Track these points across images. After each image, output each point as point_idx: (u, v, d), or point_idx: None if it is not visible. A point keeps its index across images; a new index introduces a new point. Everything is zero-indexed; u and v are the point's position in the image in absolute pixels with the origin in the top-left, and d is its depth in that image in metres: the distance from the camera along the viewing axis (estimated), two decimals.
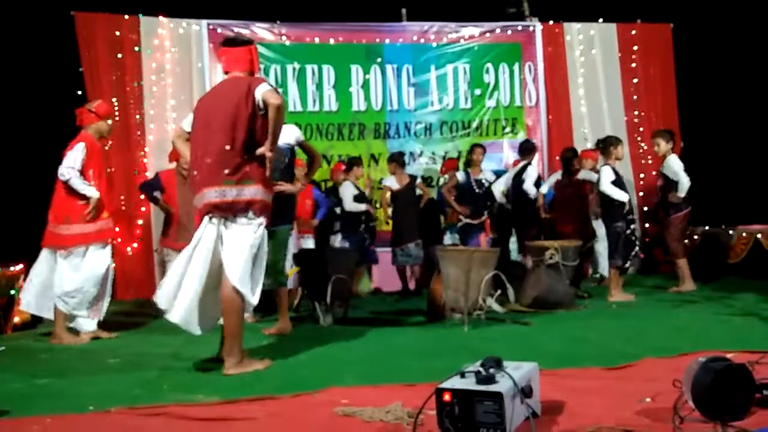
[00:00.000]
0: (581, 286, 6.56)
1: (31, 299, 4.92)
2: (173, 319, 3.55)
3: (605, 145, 6.21)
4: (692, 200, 6.42)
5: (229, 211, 3.53)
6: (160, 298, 3.56)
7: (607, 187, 5.97)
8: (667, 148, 6.43)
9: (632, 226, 6.12)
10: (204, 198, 3.54)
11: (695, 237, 7.26)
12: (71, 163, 4.73)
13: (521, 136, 8.28)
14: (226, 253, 3.54)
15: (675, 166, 6.32)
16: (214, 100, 3.67)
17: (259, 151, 3.55)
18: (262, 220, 3.62)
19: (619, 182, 6.02)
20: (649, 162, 8.34)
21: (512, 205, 6.96)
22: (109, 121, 5.15)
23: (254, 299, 3.59)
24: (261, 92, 3.51)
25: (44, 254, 4.88)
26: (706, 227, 7.22)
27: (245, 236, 3.54)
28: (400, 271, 7.32)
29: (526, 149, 7.00)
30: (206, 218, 3.58)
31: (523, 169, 6.83)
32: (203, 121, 3.63)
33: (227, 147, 3.51)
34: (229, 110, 3.53)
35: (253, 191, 3.55)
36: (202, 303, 3.57)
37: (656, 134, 6.64)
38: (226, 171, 3.50)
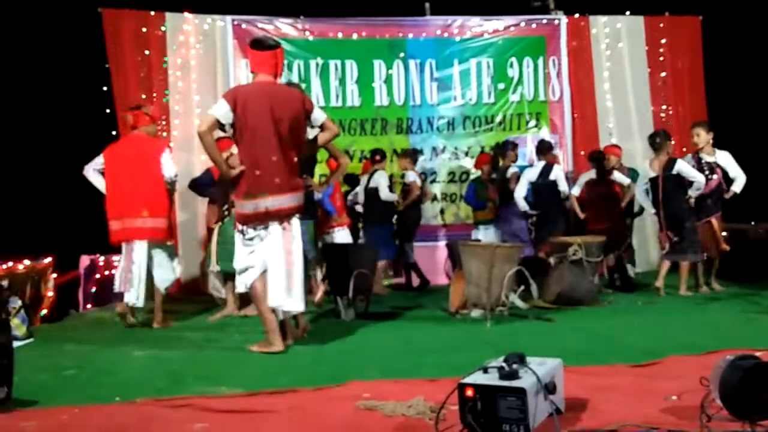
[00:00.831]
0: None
1: (140, 293, 5.08)
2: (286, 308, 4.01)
3: (661, 140, 6.05)
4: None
5: (295, 214, 4.02)
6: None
7: (696, 174, 5.83)
8: (707, 140, 6.18)
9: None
10: (286, 202, 3.95)
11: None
12: (175, 169, 5.21)
13: (545, 131, 8.20)
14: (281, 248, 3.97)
15: (733, 160, 6.12)
16: (275, 105, 3.89)
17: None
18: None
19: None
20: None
21: (537, 206, 6.83)
22: (157, 124, 5.60)
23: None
24: (322, 117, 4.12)
25: (141, 246, 5.07)
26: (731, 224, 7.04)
27: (299, 234, 4.05)
28: (405, 266, 7.35)
29: (543, 149, 6.92)
30: (277, 221, 3.95)
31: (548, 168, 6.75)
32: (267, 124, 3.88)
33: (295, 159, 4.01)
34: (296, 122, 3.98)
35: (300, 198, 4.06)
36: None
37: (696, 125, 6.38)
38: (294, 180, 4.01)
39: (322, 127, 4.14)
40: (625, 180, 6.77)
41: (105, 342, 4.53)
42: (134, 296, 5.05)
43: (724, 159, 6.17)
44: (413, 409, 2.43)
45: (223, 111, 3.87)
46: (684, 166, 5.94)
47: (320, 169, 6.82)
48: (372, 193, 6.98)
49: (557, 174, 6.72)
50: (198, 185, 6.37)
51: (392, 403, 2.52)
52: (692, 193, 5.91)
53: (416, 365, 3.39)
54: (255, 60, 4.02)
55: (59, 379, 3.39)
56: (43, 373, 3.51)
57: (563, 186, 6.71)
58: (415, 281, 7.42)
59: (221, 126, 3.91)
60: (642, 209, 7.33)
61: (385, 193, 6.96)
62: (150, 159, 5.09)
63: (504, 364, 2.18)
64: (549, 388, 2.13)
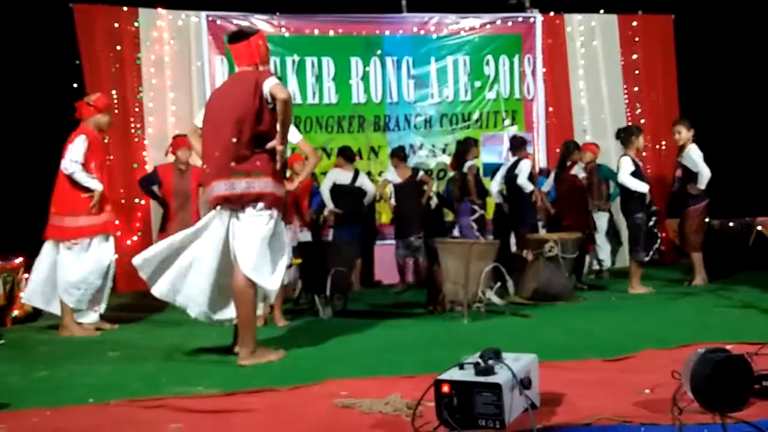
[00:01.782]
0: (582, 278, 6.57)
1: (36, 292, 4.91)
2: (173, 300, 3.71)
3: (626, 135, 6.07)
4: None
5: (238, 203, 3.59)
6: (141, 261, 3.66)
7: (626, 179, 5.83)
8: (688, 137, 6.20)
9: (654, 218, 5.99)
10: (213, 190, 3.61)
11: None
12: (74, 157, 4.72)
13: (520, 128, 8.26)
14: (237, 245, 3.59)
15: (695, 156, 6.12)
16: (222, 96, 3.76)
17: (270, 144, 3.63)
18: (273, 212, 3.65)
19: (638, 173, 5.89)
20: (647, 155, 8.30)
21: (508, 200, 6.93)
22: (108, 115, 5.12)
23: (272, 285, 3.63)
24: (269, 86, 3.56)
25: (48, 247, 4.88)
26: (706, 219, 7.15)
27: (256, 227, 3.58)
28: (400, 264, 7.31)
29: (517, 144, 6.98)
30: (214, 210, 3.65)
31: (516, 164, 6.82)
32: (212, 116, 3.72)
33: (234, 140, 3.56)
34: (237, 104, 3.58)
35: (263, 184, 3.59)
36: (218, 294, 3.72)
37: (677, 122, 6.39)
38: (233, 163, 3.57)
39: (273, 98, 3.57)
40: (580, 173, 6.82)
41: (78, 343, 4.46)
42: (28, 298, 4.93)
43: (688, 155, 6.18)
44: (390, 406, 2.43)
45: (200, 115, 3.92)
46: (623, 164, 5.88)
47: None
48: (355, 192, 6.97)
49: (521, 168, 6.76)
50: (143, 182, 6.37)
51: (369, 400, 2.52)
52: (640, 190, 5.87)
53: (393, 363, 3.40)
54: (235, 54, 3.87)
55: (31, 381, 3.33)
56: (14, 375, 3.45)
57: (521, 180, 6.72)
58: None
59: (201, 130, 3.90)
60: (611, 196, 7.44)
61: (372, 192, 6.98)
62: (63, 153, 4.80)
63: (480, 360, 2.19)
64: (524, 384, 2.14)
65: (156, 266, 3.67)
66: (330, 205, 6.96)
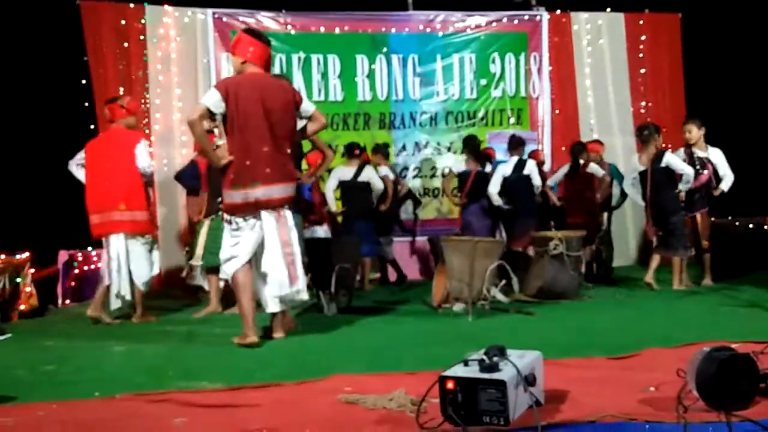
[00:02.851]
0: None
1: (122, 287, 5.04)
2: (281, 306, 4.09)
3: (650, 132, 6.02)
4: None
5: (287, 204, 4.02)
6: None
7: (685, 167, 5.79)
8: (699, 135, 6.12)
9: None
10: (276, 192, 3.94)
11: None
12: (150, 160, 5.19)
13: (525, 127, 8.25)
14: (277, 243, 4.00)
15: (724, 158, 6.10)
16: (267, 97, 3.90)
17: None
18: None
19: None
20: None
21: (510, 198, 6.82)
22: (136, 118, 5.48)
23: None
24: (311, 108, 4.17)
25: (118, 239, 5.02)
26: (712, 219, 7.11)
27: (293, 227, 4.07)
28: (390, 261, 7.37)
29: (515, 144, 6.93)
30: (269, 210, 3.95)
31: (521, 163, 6.78)
32: (259, 115, 3.87)
33: (288, 150, 4.02)
34: (288, 114, 4.01)
35: (292, 189, 4.06)
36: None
37: (688, 120, 6.26)
38: (286, 171, 4.00)
39: (310, 118, 4.16)
40: (599, 172, 6.81)
41: (84, 337, 4.49)
42: (120, 288, 5.01)
43: (716, 156, 6.16)
44: (394, 402, 2.44)
45: (214, 100, 3.86)
46: (673, 159, 5.92)
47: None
48: (360, 187, 6.91)
49: (531, 168, 6.74)
50: (183, 178, 6.31)
51: (374, 396, 2.52)
52: (682, 186, 5.90)
53: (398, 359, 3.40)
54: (255, 50, 3.98)
55: (37, 375, 3.35)
56: (21, 369, 3.47)
57: (537, 180, 6.75)
58: (392, 275, 7.42)
59: (212, 115, 3.90)
60: (620, 203, 7.42)
61: (379, 187, 6.94)
62: (126, 151, 5.04)
63: (484, 357, 2.19)
64: (529, 381, 2.14)
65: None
66: (333, 206, 6.88)
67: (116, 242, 5.02)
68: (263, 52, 4.02)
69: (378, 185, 6.95)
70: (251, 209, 3.93)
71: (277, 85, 4.04)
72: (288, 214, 4.03)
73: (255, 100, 3.88)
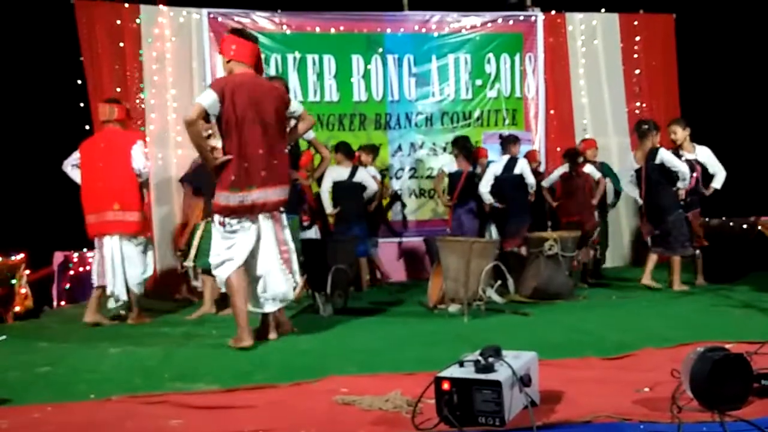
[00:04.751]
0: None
1: (117, 287, 5.04)
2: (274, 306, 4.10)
3: (648, 128, 5.97)
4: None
5: (281, 207, 4.04)
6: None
7: (679, 164, 5.73)
8: (684, 136, 6.12)
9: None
10: (273, 195, 3.96)
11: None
12: (146, 161, 5.15)
13: (520, 127, 8.27)
14: (273, 246, 4.03)
15: (713, 156, 6.07)
16: (260, 98, 3.91)
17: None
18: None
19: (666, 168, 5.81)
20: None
21: (502, 197, 6.82)
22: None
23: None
24: (299, 109, 4.17)
25: (114, 240, 5.01)
26: (706, 219, 7.12)
27: (287, 230, 4.10)
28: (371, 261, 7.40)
29: (508, 142, 6.93)
30: (266, 213, 3.97)
31: (512, 162, 6.78)
32: (253, 117, 3.87)
33: (284, 152, 4.05)
34: (279, 116, 4.01)
35: (287, 191, 4.08)
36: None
37: (673, 122, 6.29)
38: (281, 173, 4.01)
39: (299, 119, 4.19)
40: (596, 173, 6.83)
41: (79, 339, 4.48)
42: (115, 288, 5.00)
43: (704, 155, 6.13)
44: (390, 403, 2.44)
45: (210, 100, 3.84)
46: (667, 155, 5.85)
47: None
48: (354, 188, 6.88)
49: (523, 168, 6.72)
50: (194, 178, 6.30)
51: (369, 397, 2.53)
52: (680, 184, 5.84)
53: (394, 360, 3.41)
54: (240, 49, 3.96)
55: (32, 377, 3.34)
56: (16, 371, 3.46)
57: (531, 179, 6.73)
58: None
59: (206, 116, 3.89)
60: (615, 203, 7.44)
61: (373, 188, 6.92)
62: (122, 152, 5.04)
63: (480, 358, 2.20)
64: (524, 381, 2.15)
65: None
66: (329, 208, 6.82)
67: (110, 243, 5.01)
68: (246, 49, 3.98)
69: (372, 186, 6.93)
70: (247, 212, 3.93)
71: (269, 87, 4.06)
72: (282, 216, 4.08)
73: (249, 102, 3.88)
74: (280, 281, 4.02)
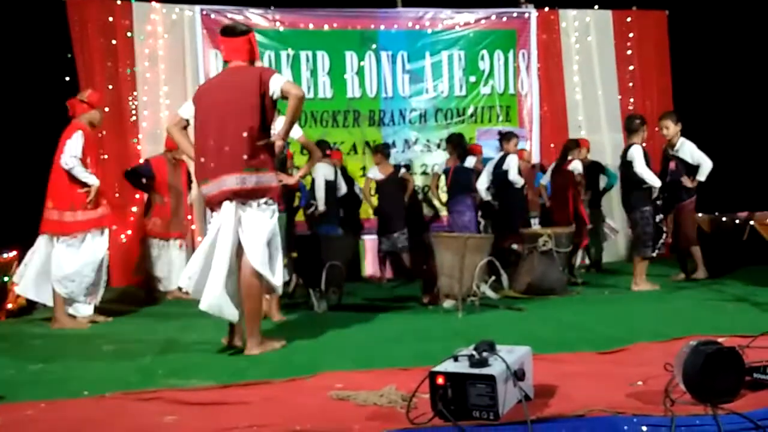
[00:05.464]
0: (575, 273, 6.58)
1: (29, 284, 4.94)
2: (203, 308, 3.59)
3: (638, 122, 5.87)
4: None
5: (249, 197, 3.63)
6: (187, 283, 3.68)
7: (643, 170, 5.60)
8: (676, 131, 6.10)
9: (659, 212, 5.81)
10: (223, 185, 3.60)
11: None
12: (73, 152, 4.77)
13: (514, 123, 8.28)
14: (246, 238, 3.64)
15: (694, 148, 6.04)
16: (224, 89, 3.72)
17: (273, 139, 3.69)
18: (276, 206, 3.77)
19: (648, 164, 5.69)
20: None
21: (497, 196, 6.84)
22: (100, 111, 5.19)
23: (278, 281, 3.75)
24: (279, 83, 3.64)
25: (43, 240, 4.90)
26: (699, 214, 7.13)
27: (264, 221, 3.67)
28: (381, 259, 7.39)
29: (504, 139, 6.94)
30: (225, 204, 3.63)
31: (503, 159, 6.79)
32: (213, 109, 3.68)
33: (244, 134, 3.59)
34: (244, 99, 3.62)
35: (269, 178, 3.68)
36: (228, 288, 3.64)
37: (664, 116, 6.26)
38: (245, 158, 3.58)
39: (284, 96, 3.64)
40: (578, 169, 6.74)
41: (73, 337, 4.46)
42: (23, 290, 4.95)
43: (686, 149, 6.11)
44: (385, 398, 2.44)
45: (186, 106, 3.87)
46: (636, 154, 5.68)
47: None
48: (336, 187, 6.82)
49: (509, 164, 6.68)
50: (135, 174, 6.30)
51: (364, 392, 2.53)
52: (647, 185, 5.68)
53: (388, 355, 3.41)
54: (228, 47, 3.90)
55: (25, 374, 3.33)
56: (9, 369, 3.44)
57: (512, 175, 6.64)
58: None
59: (187, 122, 3.87)
60: (605, 189, 7.47)
61: (344, 189, 6.91)
62: (61, 146, 4.85)
63: (474, 353, 2.20)
64: (518, 375, 2.16)
65: (200, 282, 3.64)
66: (322, 206, 6.66)
67: (39, 243, 4.87)
68: (233, 45, 3.83)
69: (343, 186, 6.87)
70: (211, 205, 3.75)
71: (242, 73, 3.74)
72: (250, 210, 3.64)
73: (213, 95, 3.72)
74: (214, 285, 3.56)
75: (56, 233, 4.83)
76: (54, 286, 4.81)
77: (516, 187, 6.72)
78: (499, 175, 6.75)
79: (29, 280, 4.92)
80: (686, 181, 6.11)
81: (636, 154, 5.69)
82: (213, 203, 3.71)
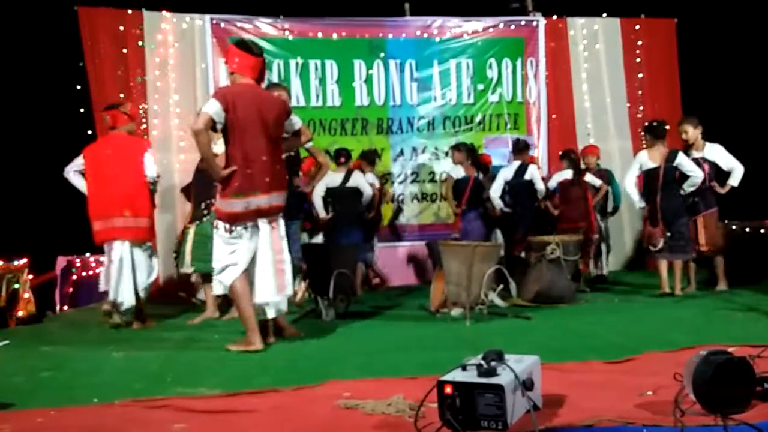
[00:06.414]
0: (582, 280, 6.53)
1: (122, 292, 5.03)
2: (271, 315, 4.14)
3: (667, 129, 5.90)
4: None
5: (277, 213, 4.12)
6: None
7: (699, 173, 5.70)
8: (696, 135, 6.01)
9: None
10: (273, 200, 4.04)
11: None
12: (157, 168, 5.24)
13: (522, 132, 8.28)
14: (269, 253, 4.08)
15: (725, 152, 5.97)
16: (259, 107, 3.97)
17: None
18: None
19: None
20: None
21: (515, 203, 6.86)
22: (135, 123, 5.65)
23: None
24: (299, 123, 4.29)
25: (124, 246, 5.02)
26: (725, 221, 6.90)
27: (284, 236, 4.19)
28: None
29: (519, 148, 6.96)
30: (265, 219, 4.04)
31: (523, 168, 6.79)
32: (256, 124, 3.95)
33: (281, 158, 4.16)
34: (278, 125, 4.10)
35: (285, 196, 4.18)
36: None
37: (683, 121, 6.11)
38: (282, 179, 4.13)
39: (298, 133, 4.31)
40: (596, 182, 6.83)
41: (82, 343, 4.48)
42: (118, 294, 5.00)
43: (716, 153, 6.00)
44: (393, 407, 2.44)
45: (215, 109, 3.88)
46: (684, 159, 5.77)
47: None
48: (349, 193, 6.83)
49: (533, 173, 6.76)
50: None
51: (372, 401, 2.53)
52: (686, 187, 5.77)
53: (396, 364, 3.41)
54: (243, 62, 4.03)
55: (35, 382, 3.35)
56: (19, 376, 3.47)
57: (540, 185, 6.78)
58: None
59: (213, 125, 3.91)
60: (615, 209, 7.41)
61: (369, 193, 6.90)
62: (132, 158, 5.07)
63: (482, 362, 2.20)
64: (526, 385, 2.15)
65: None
66: (322, 213, 6.75)
67: (119, 248, 5.00)
68: (249, 62, 4.04)
69: (368, 191, 6.88)
70: (251, 218, 3.99)
71: (269, 96, 4.16)
72: (281, 222, 4.16)
73: (253, 110, 3.95)
74: (272, 289, 4.04)
75: (136, 239, 5.08)
76: (141, 294, 5.12)
77: (539, 196, 6.74)
78: (518, 184, 6.76)
79: (125, 288, 5.02)
80: (718, 188, 6.00)
81: (684, 158, 5.80)
82: (255, 215, 3.98)
